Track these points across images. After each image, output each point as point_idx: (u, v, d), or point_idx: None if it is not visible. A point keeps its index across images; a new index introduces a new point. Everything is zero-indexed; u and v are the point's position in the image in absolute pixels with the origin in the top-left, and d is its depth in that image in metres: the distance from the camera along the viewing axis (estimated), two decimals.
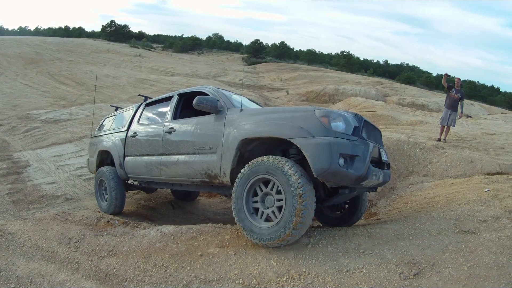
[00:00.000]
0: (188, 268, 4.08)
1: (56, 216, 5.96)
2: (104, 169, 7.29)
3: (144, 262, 4.30)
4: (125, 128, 7.24)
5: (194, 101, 5.04)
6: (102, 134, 8.15)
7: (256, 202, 4.33)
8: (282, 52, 66.48)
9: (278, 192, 4.13)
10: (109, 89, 22.10)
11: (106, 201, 7.12)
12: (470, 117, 22.98)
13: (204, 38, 77.80)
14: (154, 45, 67.27)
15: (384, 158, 5.05)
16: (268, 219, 4.22)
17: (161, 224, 5.88)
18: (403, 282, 3.60)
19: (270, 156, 4.25)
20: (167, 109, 6.31)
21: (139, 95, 8.95)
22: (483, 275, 3.73)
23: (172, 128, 5.80)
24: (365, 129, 4.58)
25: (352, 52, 75.51)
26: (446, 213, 5.15)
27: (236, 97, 5.80)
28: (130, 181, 7.23)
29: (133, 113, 7.37)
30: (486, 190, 5.99)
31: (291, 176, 3.97)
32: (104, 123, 8.64)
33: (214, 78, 32.33)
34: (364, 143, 4.28)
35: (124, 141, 7.05)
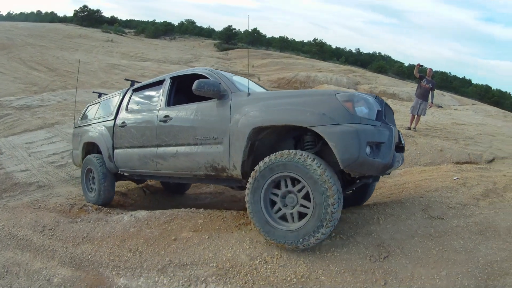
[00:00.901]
0: (163, 252, 4.10)
1: (30, 204, 5.90)
2: (92, 157, 6.70)
3: (118, 247, 4.31)
4: (112, 117, 6.58)
5: (194, 85, 4.47)
6: (86, 124, 7.47)
7: (275, 201, 3.94)
8: (254, 39, 65.59)
9: (300, 190, 3.79)
10: (81, 75, 21.69)
11: (94, 191, 6.60)
12: (440, 107, 23.41)
13: (176, 24, 76.51)
14: (126, 30, 65.89)
15: (402, 141, 4.72)
16: (284, 218, 3.90)
17: (134, 210, 5.81)
18: (373, 265, 3.69)
19: (294, 152, 3.80)
20: (159, 95, 5.72)
21: (125, 79, 8.25)
22: (452, 258, 3.84)
23: (167, 116, 5.22)
24: (385, 111, 4.18)
25: (324, 40, 75.48)
26: (415, 199, 5.25)
27: (238, 79, 5.30)
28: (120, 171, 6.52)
29: (119, 99, 6.68)
30: (455, 178, 6.14)
31: (321, 176, 3.61)
32: (87, 112, 7.93)
33: (185, 63, 32.05)
34: (388, 128, 3.94)
35: (112, 131, 6.40)
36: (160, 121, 5.29)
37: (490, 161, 8.54)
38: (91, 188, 6.76)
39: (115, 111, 6.58)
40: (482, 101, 45.35)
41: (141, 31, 67.72)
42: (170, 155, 5.08)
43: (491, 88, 64.93)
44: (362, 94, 4.01)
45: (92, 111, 7.62)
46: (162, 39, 62.60)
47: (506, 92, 68.54)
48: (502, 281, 3.56)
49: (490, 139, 10.50)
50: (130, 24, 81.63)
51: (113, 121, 6.45)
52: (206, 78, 4.98)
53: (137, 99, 6.34)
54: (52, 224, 4.92)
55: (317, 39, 68.78)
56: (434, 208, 4.81)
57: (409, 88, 32.32)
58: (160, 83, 5.88)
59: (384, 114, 4.07)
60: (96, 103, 7.71)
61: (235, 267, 3.76)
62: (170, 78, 5.70)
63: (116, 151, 6.27)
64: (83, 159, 7.13)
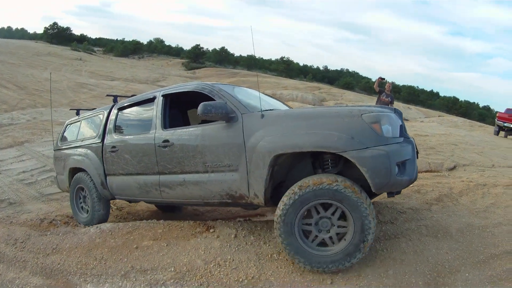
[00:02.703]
0: (126, 259, 4.35)
1: (1, 220, 6.05)
2: (83, 176, 5.98)
3: (85, 256, 4.53)
4: (98, 139, 5.82)
5: (200, 110, 4.04)
6: (68, 146, 6.68)
7: (309, 224, 3.75)
8: (222, 58, 65.77)
9: (333, 213, 3.68)
10: (49, 94, 21.55)
11: (87, 212, 6.02)
12: (406, 120, 24.02)
13: (145, 42, 76.13)
14: (95, 49, 64.90)
15: (417, 149, 4.20)
16: (314, 241, 3.78)
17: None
18: None
19: (330, 177, 3.61)
20: (151, 115, 5.08)
21: (107, 95, 7.67)
22: (399, 258, 4.05)
23: (166, 140, 4.67)
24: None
25: (292, 59, 76.11)
26: None
27: (241, 92, 4.86)
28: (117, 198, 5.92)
29: (104, 119, 5.89)
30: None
31: (363, 202, 3.52)
32: (67, 132, 7.10)
33: (153, 83, 31.72)
34: (409, 142, 3.82)
35: (102, 156, 5.68)
36: (159, 146, 4.75)
37: (452, 169, 8.65)
38: (82, 208, 6.18)
39: (101, 132, 5.83)
40: (449, 113, 46.25)
41: (110, 49, 66.81)
42: (177, 184, 4.64)
43: (458, 99, 66.28)
44: (385, 110, 3.87)
45: (73, 131, 6.84)
46: (130, 58, 61.61)
47: (473, 102, 70.08)
48: (453, 278, 3.79)
49: (452, 148, 10.66)
50: (100, 43, 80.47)
51: (101, 144, 5.74)
52: (204, 95, 4.58)
53: (124, 119, 5.70)
54: (24, 237, 5.09)
55: (284, 57, 69.20)
56: (384, 214, 4.98)
57: (374, 102, 32.73)
58: (149, 101, 5.27)
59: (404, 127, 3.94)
60: (76, 121, 6.86)
61: (191, 271, 4.01)
62: (163, 96, 5.07)
63: (109, 178, 5.62)
64: (70, 184, 6.39)
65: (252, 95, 4.96)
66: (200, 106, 4.07)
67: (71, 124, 7.08)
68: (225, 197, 4.26)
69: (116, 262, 4.35)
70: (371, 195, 4.11)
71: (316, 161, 4.10)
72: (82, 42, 64.81)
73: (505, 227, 4.68)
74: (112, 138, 5.59)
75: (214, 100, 4.38)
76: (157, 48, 72.40)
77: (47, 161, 9.42)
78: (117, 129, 5.65)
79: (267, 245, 4.34)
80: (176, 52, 73.04)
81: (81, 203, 6.22)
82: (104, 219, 5.86)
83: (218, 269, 4.02)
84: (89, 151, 5.94)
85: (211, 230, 4.73)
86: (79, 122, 6.73)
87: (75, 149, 6.33)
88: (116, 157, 5.40)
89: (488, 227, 4.67)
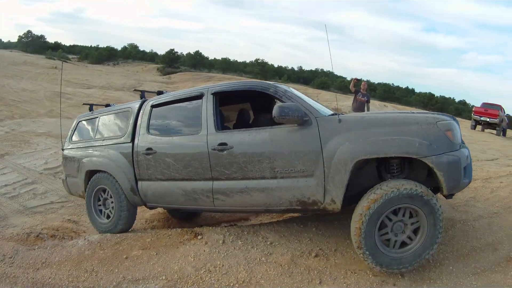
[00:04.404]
0: (116, 270, 4.33)
1: None
2: (107, 178, 5.44)
3: (76, 269, 4.48)
4: (127, 139, 5.30)
5: (276, 112, 3.88)
6: (84, 145, 6.04)
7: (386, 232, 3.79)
8: (197, 62, 65.30)
9: (412, 224, 3.77)
10: (27, 104, 21.07)
11: (107, 217, 5.57)
12: None
13: (119, 48, 74.76)
14: (70, 56, 63.71)
15: None
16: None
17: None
18: (308, 267, 4.06)
19: (411, 183, 3.69)
20: (199, 114, 4.70)
21: (134, 90, 6.98)
22: None
23: (223, 143, 4.36)
24: None
25: (267, 60, 76.16)
26: (350, 207, 5.59)
27: (300, 95, 4.63)
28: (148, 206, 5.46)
29: (133, 116, 5.37)
30: None
31: (436, 204, 3.64)
32: (78, 129, 6.40)
33: (129, 89, 31.28)
34: (466, 148, 4.03)
35: (132, 158, 5.17)
36: (213, 149, 4.42)
37: None
38: (101, 212, 5.70)
39: (129, 131, 5.32)
40: (426, 109, 46.75)
41: (85, 56, 65.83)
42: (237, 191, 4.35)
43: (434, 95, 66.94)
44: (450, 118, 3.97)
45: (88, 128, 6.21)
46: (105, 64, 60.47)
47: (449, 97, 70.79)
48: (438, 271, 3.92)
49: None
50: (74, 50, 79.06)
51: (130, 144, 5.24)
52: (266, 95, 4.55)
53: (160, 117, 5.22)
54: (12, 253, 5.00)
55: (258, 59, 69.01)
56: None
57: (351, 102, 32.97)
58: (194, 98, 4.88)
59: None
60: (92, 118, 6.19)
61: (182, 278, 4.04)
62: (213, 93, 4.71)
63: (142, 183, 5.15)
64: (86, 188, 5.80)
65: (317, 103, 4.89)
66: (277, 108, 3.90)
67: (84, 120, 6.37)
68: (294, 203, 4.09)
69: (107, 273, 4.32)
70: None
71: (381, 166, 4.10)
72: (56, 50, 63.76)
73: (486, 219, 4.84)
74: (146, 138, 5.10)
75: (283, 101, 4.23)
76: (132, 54, 71.40)
77: (28, 174, 9.26)
78: (152, 128, 5.15)
79: (255, 249, 4.40)
80: (150, 57, 72.11)
81: (99, 206, 5.71)
82: (128, 228, 5.48)
83: (209, 275, 4.06)
84: (114, 152, 5.40)
85: (199, 237, 4.76)
86: (96, 118, 6.08)
87: (93, 149, 5.75)
88: (153, 160, 4.94)
89: (469, 221, 4.82)
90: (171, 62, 61.73)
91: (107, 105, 6.44)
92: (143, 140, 5.10)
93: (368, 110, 11.81)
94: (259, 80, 4.71)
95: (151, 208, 5.56)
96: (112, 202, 5.50)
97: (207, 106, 4.66)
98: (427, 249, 3.71)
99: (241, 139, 4.30)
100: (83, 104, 7.62)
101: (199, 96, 4.80)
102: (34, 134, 12.72)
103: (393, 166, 3.98)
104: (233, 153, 4.29)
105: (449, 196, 3.92)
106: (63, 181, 6.51)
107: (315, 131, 3.94)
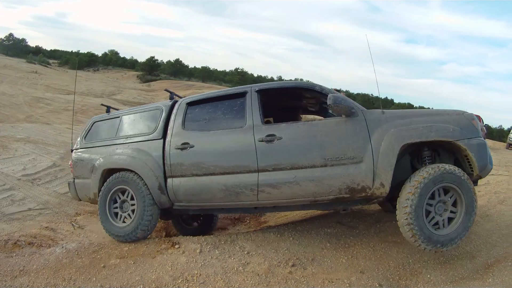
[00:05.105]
0: (94, 279, 4.33)
1: None
2: (130, 177, 5.20)
3: (54, 277, 4.46)
4: (157, 135, 5.21)
5: (332, 100, 4.20)
6: (101, 144, 5.82)
7: (431, 205, 4.10)
8: (177, 70, 64.65)
9: (450, 197, 4.15)
10: (6, 108, 20.66)
11: (123, 221, 5.31)
12: None
13: (100, 54, 73.23)
14: (51, 61, 62.47)
15: None
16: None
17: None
18: (286, 276, 4.15)
19: (449, 165, 4.13)
20: (243, 109, 4.83)
21: (165, 90, 6.84)
22: (361, 264, 4.30)
23: (272, 135, 4.48)
24: None
25: (247, 69, 75.80)
26: (328, 215, 5.70)
27: None
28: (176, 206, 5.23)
29: (164, 114, 5.32)
30: None
31: (472, 187, 4.10)
32: (94, 130, 6.16)
33: (108, 96, 30.89)
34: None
35: (162, 153, 5.06)
36: (261, 141, 4.51)
37: None
38: (117, 215, 5.40)
39: (160, 128, 5.24)
40: None
41: (65, 62, 64.78)
42: (285, 181, 4.40)
43: (412, 105, 67.47)
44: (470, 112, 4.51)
45: (108, 128, 6.00)
46: (85, 70, 59.52)
47: (428, 108, 71.90)
48: (415, 280, 4.08)
49: None
50: (55, 55, 77.34)
51: (161, 141, 5.14)
52: (313, 91, 4.86)
53: (199, 113, 5.19)
54: None
55: (238, 68, 69.01)
56: (344, 222, 5.30)
57: None
58: (238, 96, 5.01)
59: None
60: (112, 118, 6.03)
61: (160, 287, 4.07)
62: (257, 91, 4.88)
63: (174, 180, 4.99)
64: (100, 190, 5.52)
65: None
66: (332, 96, 4.22)
67: (100, 120, 6.19)
68: (343, 191, 4.28)
69: (85, 282, 4.32)
70: None
71: (413, 159, 4.59)
72: (37, 54, 62.68)
73: None
74: (181, 134, 5.03)
75: (327, 96, 4.45)
76: (112, 60, 70.44)
77: (6, 180, 9.08)
78: (189, 124, 5.10)
79: (232, 258, 4.47)
80: (131, 64, 71.11)
81: (116, 208, 5.41)
82: (147, 234, 5.22)
83: (186, 284, 4.10)
84: (140, 149, 5.25)
85: (176, 246, 4.79)
86: (118, 118, 5.90)
87: (114, 147, 5.55)
88: (190, 155, 4.87)
89: None
90: (151, 69, 60.88)
91: (107, 110, 6.35)
92: (178, 135, 5.04)
93: None
94: (297, 80, 4.92)
95: (177, 210, 5.35)
96: (132, 205, 5.25)
97: (252, 102, 4.79)
98: (470, 216, 4.08)
99: (290, 130, 4.51)
100: (101, 104, 7.67)
101: (242, 94, 4.94)
102: (12, 140, 12.51)
103: (425, 157, 4.42)
104: (283, 143, 4.45)
105: (475, 183, 4.40)
106: (69, 184, 6.15)
107: (362, 121, 4.32)
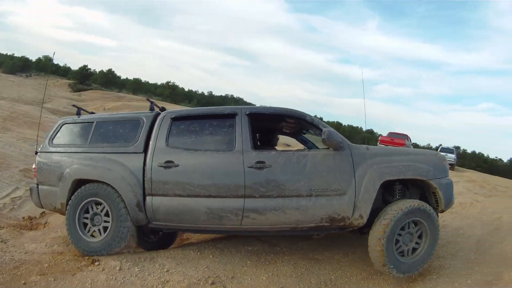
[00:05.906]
0: None
1: None
2: (103, 188, 4.91)
3: None
4: (137, 149, 4.90)
5: (327, 135, 4.46)
6: (72, 150, 5.32)
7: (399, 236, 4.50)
8: (109, 80, 62.95)
9: (416, 231, 4.56)
10: None
11: (93, 235, 5.02)
12: (288, 146, 25.14)
13: (34, 60, 70.01)
14: None
15: None
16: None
17: None
18: None
19: (417, 201, 4.57)
20: (232, 132, 4.75)
21: (147, 99, 6.08)
22: (282, 282, 4.40)
23: (261, 161, 4.52)
24: None
25: (178, 82, 75.13)
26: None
27: None
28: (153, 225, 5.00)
29: (146, 126, 5.02)
30: None
31: (434, 214, 4.57)
32: (63, 132, 5.56)
33: (39, 104, 29.43)
34: None
35: (143, 169, 4.79)
36: (250, 167, 4.51)
37: None
38: (87, 228, 5.07)
39: (141, 141, 4.94)
40: None
41: None
42: (271, 209, 4.45)
43: (341, 124, 69.73)
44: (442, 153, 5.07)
45: (79, 133, 5.49)
46: (18, 75, 56.43)
47: (357, 126, 71.35)
48: None
49: None
50: None
51: (142, 155, 4.87)
52: (303, 120, 5.07)
53: (183, 131, 4.97)
54: None
55: (169, 82, 68.28)
56: (265, 240, 5.41)
57: None
58: (227, 116, 4.90)
59: None
60: (84, 123, 5.51)
61: None
62: (247, 114, 4.82)
63: (154, 199, 4.77)
64: (68, 200, 5.08)
65: None
66: (328, 133, 4.49)
67: (71, 123, 5.61)
68: (325, 220, 4.49)
69: None
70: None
71: (386, 191, 4.87)
72: None
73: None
74: (165, 151, 4.80)
75: (320, 128, 4.80)
76: (46, 66, 67.63)
77: None
78: (174, 141, 4.88)
79: (152, 276, 4.45)
80: (64, 71, 68.32)
81: (86, 219, 5.06)
82: (119, 251, 4.95)
83: None
84: (118, 161, 4.93)
85: (96, 263, 4.73)
86: (92, 123, 5.39)
87: (88, 155, 5.15)
88: (175, 174, 4.69)
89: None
90: (83, 78, 58.46)
91: (78, 112, 5.80)
92: (161, 152, 4.82)
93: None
94: (294, 109, 5.04)
95: (154, 229, 5.22)
96: (106, 221, 4.97)
97: (242, 125, 4.74)
98: (433, 246, 4.58)
99: (280, 159, 4.57)
100: (72, 105, 7.22)
101: (232, 115, 4.85)
102: None
103: (396, 190, 4.84)
104: (272, 172, 4.53)
105: (441, 212, 4.97)
106: (31, 189, 5.56)
107: (348, 155, 4.59)
